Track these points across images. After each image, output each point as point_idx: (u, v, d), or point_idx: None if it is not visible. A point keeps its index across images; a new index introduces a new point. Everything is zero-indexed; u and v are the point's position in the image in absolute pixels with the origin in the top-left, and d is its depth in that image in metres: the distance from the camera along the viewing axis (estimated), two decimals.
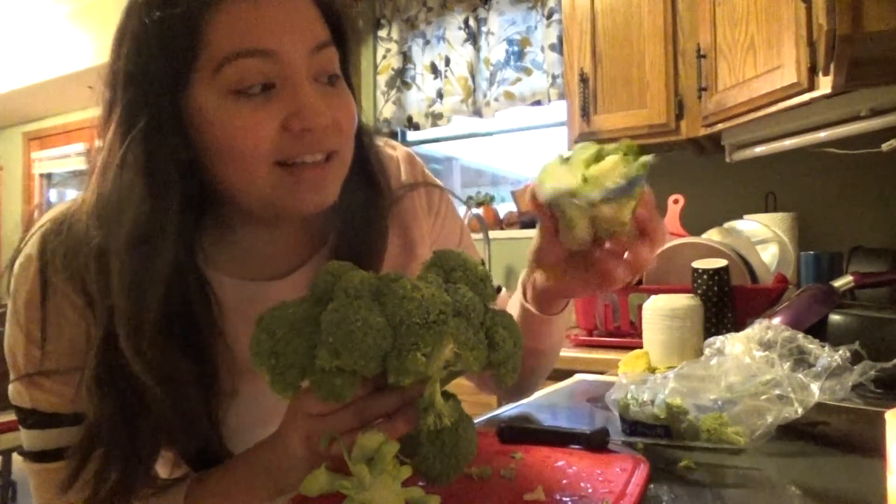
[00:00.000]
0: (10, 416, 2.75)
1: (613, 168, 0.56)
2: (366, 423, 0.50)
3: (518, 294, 0.74)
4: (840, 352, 0.74)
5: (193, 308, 0.58)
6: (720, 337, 0.86)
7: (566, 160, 0.59)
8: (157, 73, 0.54)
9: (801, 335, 0.80)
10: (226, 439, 0.63)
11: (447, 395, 0.52)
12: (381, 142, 0.76)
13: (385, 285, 0.49)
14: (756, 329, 0.85)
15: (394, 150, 0.78)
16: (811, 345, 0.78)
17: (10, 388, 0.60)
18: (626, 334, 1.73)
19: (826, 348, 0.76)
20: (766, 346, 0.82)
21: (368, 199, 0.67)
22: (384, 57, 2.93)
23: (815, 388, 0.71)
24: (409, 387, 0.49)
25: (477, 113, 2.75)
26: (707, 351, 0.84)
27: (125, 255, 0.54)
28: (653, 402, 0.74)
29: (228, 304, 0.62)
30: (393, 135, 3.09)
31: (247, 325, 0.60)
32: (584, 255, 0.62)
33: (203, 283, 0.60)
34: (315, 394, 0.48)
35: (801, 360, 0.77)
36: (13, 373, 0.60)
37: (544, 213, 0.61)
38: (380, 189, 0.69)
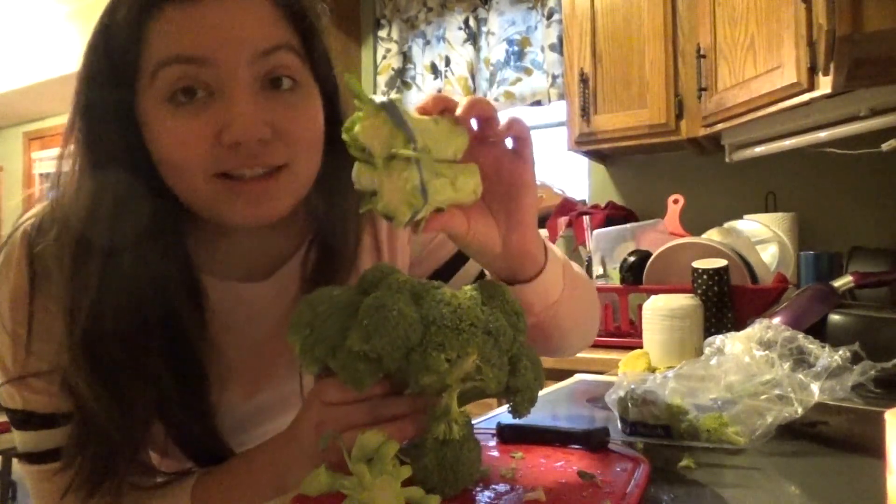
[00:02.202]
0: None
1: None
2: (377, 422, 0.51)
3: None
4: (840, 352, 0.74)
5: (179, 310, 0.58)
6: (720, 336, 0.86)
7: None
8: (106, 78, 0.54)
9: (801, 335, 0.80)
10: (224, 436, 0.63)
11: (461, 412, 0.53)
12: None
13: (426, 289, 0.51)
14: (756, 329, 0.85)
15: None
16: (811, 345, 0.78)
17: (1, 391, 0.60)
18: (626, 334, 1.73)
19: (826, 349, 0.76)
20: (766, 345, 0.82)
21: (347, 204, 0.64)
22: (384, 57, 2.93)
23: (815, 388, 0.71)
24: (425, 394, 0.50)
25: None
26: (707, 350, 0.85)
27: (99, 256, 0.54)
28: (653, 401, 0.74)
29: (213, 304, 0.62)
30: None
31: (230, 324, 0.61)
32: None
33: (194, 283, 0.60)
34: (338, 375, 0.49)
35: (801, 360, 0.78)
36: (2, 376, 0.59)
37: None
38: (350, 187, 0.68)
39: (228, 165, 0.53)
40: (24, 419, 0.59)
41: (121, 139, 0.55)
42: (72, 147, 0.58)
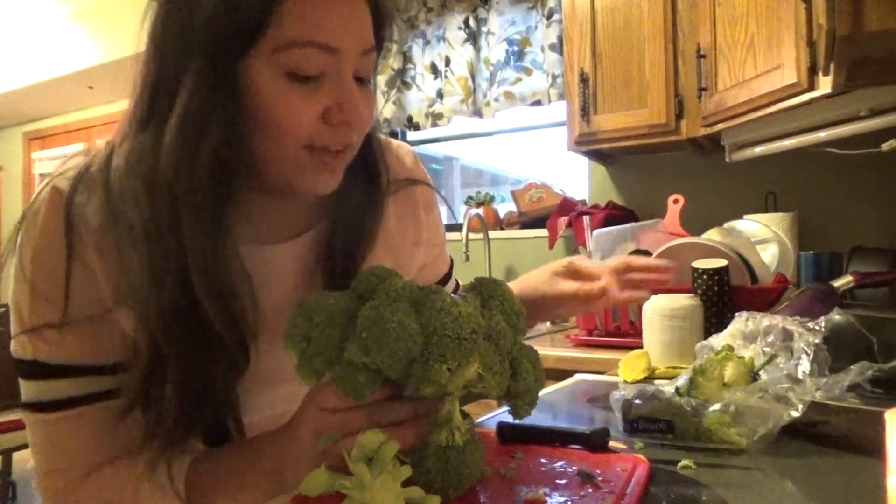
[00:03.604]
0: (10, 416, 2.74)
1: None
2: (375, 427, 0.50)
3: None
4: (817, 327, 0.76)
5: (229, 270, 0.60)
6: (710, 340, 0.87)
7: None
8: (223, 34, 0.56)
9: (778, 318, 0.81)
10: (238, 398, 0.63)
11: (463, 415, 0.53)
12: (393, 142, 0.81)
13: (425, 295, 0.51)
14: (737, 324, 0.86)
15: (402, 148, 0.83)
16: (791, 326, 0.79)
17: (13, 342, 0.61)
18: (626, 334, 1.73)
19: (806, 324, 0.77)
20: (751, 338, 0.82)
21: (367, 184, 0.72)
22: (384, 57, 2.93)
23: (811, 384, 0.71)
24: (425, 400, 0.50)
25: (477, 113, 2.75)
26: (702, 354, 0.85)
27: (201, 200, 0.56)
28: (658, 397, 0.74)
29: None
30: (393, 135, 3.09)
31: (257, 286, 0.61)
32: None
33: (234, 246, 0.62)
34: (337, 385, 0.49)
35: (786, 347, 0.78)
36: (17, 326, 0.60)
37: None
38: (378, 175, 0.73)
39: (323, 140, 0.60)
40: (31, 369, 0.60)
41: (217, 92, 0.56)
42: (133, 104, 0.60)
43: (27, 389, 0.61)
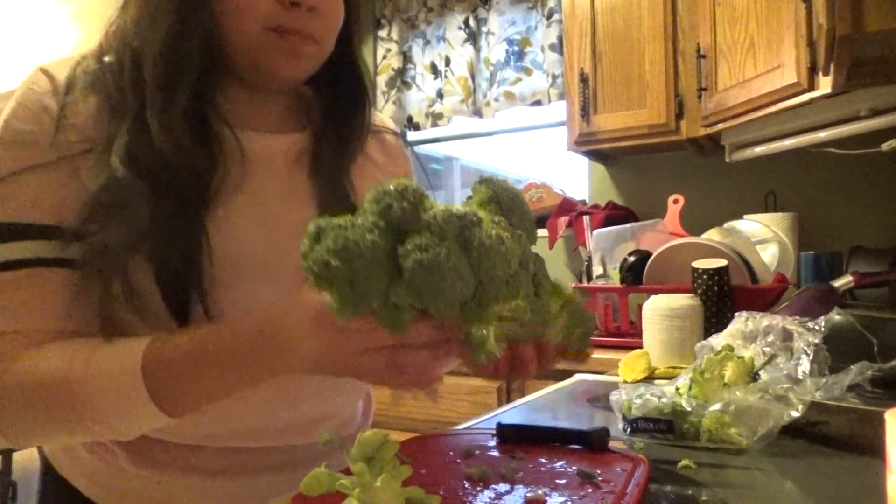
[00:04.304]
0: None
1: None
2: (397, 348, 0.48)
3: None
4: (817, 326, 0.76)
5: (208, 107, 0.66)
6: (709, 340, 0.87)
7: None
8: None
9: (778, 318, 0.81)
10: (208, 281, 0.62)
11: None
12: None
13: (468, 228, 0.47)
14: (737, 324, 0.86)
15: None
16: (791, 326, 0.79)
17: None
18: (626, 334, 1.73)
19: (806, 324, 0.77)
20: (751, 338, 0.82)
21: (353, 89, 0.77)
22: (384, 57, 2.93)
23: (811, 384, 0.71)
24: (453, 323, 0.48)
25: (477, 113, 2.75)
26: (702, 354, 0.85)
27: (159, 55, 0.61)
28: (658, 396, 0.74)
29: (252, 153, 0.68)
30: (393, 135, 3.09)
31: (238, 158, 0.67)
32: None
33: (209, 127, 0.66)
34: (378, 320, 0.45)
35: (786, 347, 0.78)
36: None
37: None
38: (362, 86, 0.77)
39: (281, 20, 0.64)
40: None
41: None
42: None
43: None
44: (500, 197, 0.54)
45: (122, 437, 0.59)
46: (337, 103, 0.76)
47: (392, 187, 0.47)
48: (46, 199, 0.60)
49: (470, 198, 0.56)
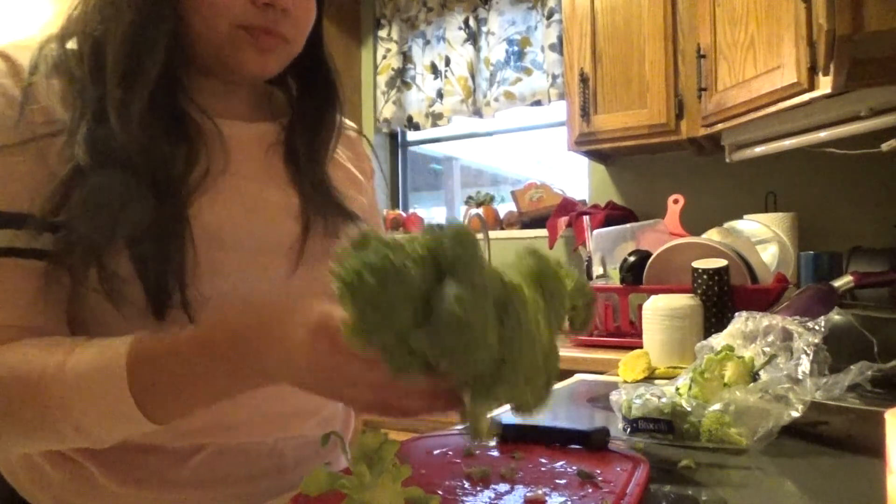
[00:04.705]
0: None
1: None
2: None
3: None
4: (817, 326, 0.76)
5: (177, 99, 0.65)
6: (709, 340, 0.87)
7: None
8: None
9: (778, 318, 0.81)
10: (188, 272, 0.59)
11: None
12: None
13: (510, 300, 0.44)
14: (737, 324, 0.86)
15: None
16: (791, 326, 0.79)
17: None
18: (626, 334, 1.73)
19: (806, 324, 0.77)
20: (751, 338, 0.82)
21: (323, 88, 0.77)
22: (384, 57, 2.93)
23: (811, 384, 0.71)
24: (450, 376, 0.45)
25: (477, 113, 2.75)
26: (701, 354, 0.85)
27: (121, 46, 0.60)
28: (658, 396, 0.74)
29: (233, 141, 0.68)
30: (393, 135, 3.09)
31: (215, 142, 0.66)
32: None
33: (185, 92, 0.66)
34: (382, 356, 0.42)
35: (786, 347, 0.78)
36: None
37: None
38: (333, 83, 0.77)
39: (252, 20, 0.63)
40: None
41: None
42: None
43: None
44: (545, 275, 0.51)
45: (97, 444, 0.55)
46: (306, 100, 0.76)
47: (450, 226, 0.44)
48: (14, 187, 0.57)
49: (515, 266, 0.52)
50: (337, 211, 0.72)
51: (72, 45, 0.63)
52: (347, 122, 0.86)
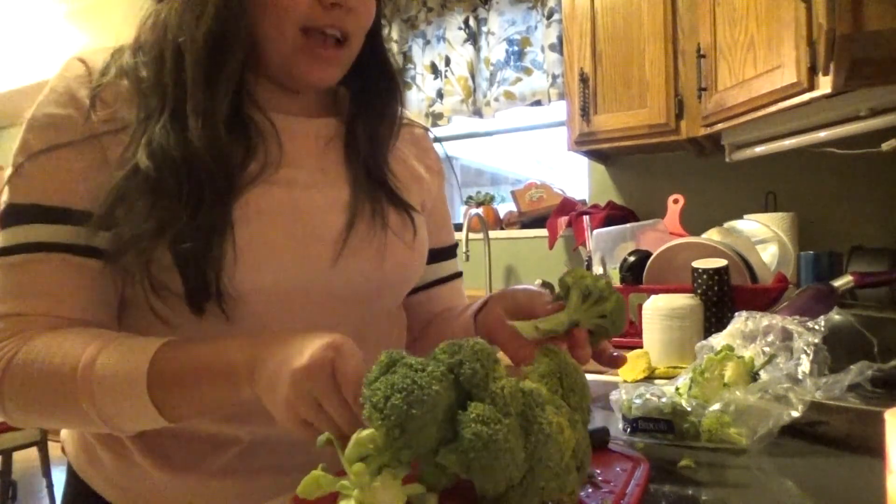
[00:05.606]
0: None
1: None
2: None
3: (474, 308, 0.72)
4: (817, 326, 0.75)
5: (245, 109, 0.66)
6: (709, 340, 0.87)
7: None
8: None
9: (778, 318, 0.81)
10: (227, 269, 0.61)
11: None
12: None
13: (531, 408, 0.46)
14: (737, 324, 0.86)
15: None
16: (791, 326, 0.79)
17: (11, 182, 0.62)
18: (627, 334, 1.73)
19: (806, 324, 0.77)
20: (751, 338, 0.82)
21: (384, 82, 0.78)
22: None
23: (811, 384, 0.71)
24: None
25: (477, 113, 2.75)
26: (701, 354, 0.85)
27: (202, 52, 0.62)
28: (658, 396, 0.74)
29: (287, 133, 0.69)
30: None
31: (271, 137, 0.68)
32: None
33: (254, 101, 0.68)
34: (419, 473, 0.46)
35: (786, 347, 0.78)
36: (22, 155, 0.63)
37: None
38: (392, 76, 0.79)
39: (319, 22, 0.65)
40: (5, 214, 0.61)
41: None
42: None
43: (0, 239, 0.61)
44: (563, 372, 0.53)
45: (124, 432, 0.60)
46: (367, 95, 0.77)
47: (468, 344, 0.47)
48: (76, 184, 0.60)
49: (533, 370, 0.54)
50: (391, 201, 0.73)
51: (144, 52, 0.65)
52: (412, 117, 0.87)
